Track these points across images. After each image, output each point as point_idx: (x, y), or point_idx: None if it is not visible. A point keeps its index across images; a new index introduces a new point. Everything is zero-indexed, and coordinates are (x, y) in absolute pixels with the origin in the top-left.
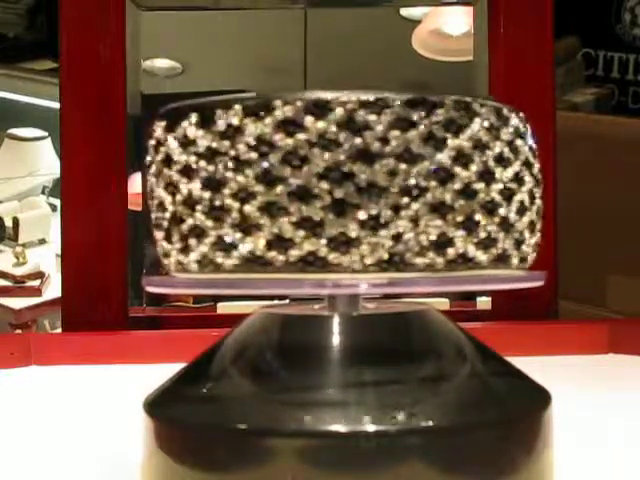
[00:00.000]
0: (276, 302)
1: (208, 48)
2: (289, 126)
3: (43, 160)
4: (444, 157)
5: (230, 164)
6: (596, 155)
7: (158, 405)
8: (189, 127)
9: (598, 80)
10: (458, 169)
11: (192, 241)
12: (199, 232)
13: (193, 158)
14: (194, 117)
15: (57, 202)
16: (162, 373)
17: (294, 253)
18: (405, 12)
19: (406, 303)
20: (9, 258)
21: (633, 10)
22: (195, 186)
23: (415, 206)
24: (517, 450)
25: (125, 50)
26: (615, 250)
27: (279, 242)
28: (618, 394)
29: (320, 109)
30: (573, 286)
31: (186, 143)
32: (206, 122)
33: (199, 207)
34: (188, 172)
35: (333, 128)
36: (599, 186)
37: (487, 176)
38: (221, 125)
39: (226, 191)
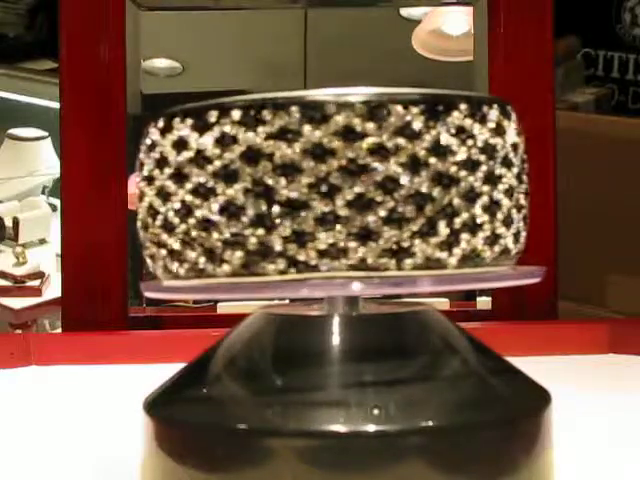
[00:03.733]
0: (276, 302)
1: (208, 48)
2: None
3: (43, 160)
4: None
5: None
6: (596, 155)
7: (158, 405)
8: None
9: (598, 80)
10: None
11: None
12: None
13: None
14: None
15: (57, 202)
16: (162, 373)
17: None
18: (405, 12)
19: (406, 303)
20: (9, 258)
21: (633, 10)
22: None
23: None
24: (517, 450)
25: (125, 50)
26: (615, 250)
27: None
28: (618, 394)
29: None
30: (573, 286)
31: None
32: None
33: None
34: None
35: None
36: (599, 186)
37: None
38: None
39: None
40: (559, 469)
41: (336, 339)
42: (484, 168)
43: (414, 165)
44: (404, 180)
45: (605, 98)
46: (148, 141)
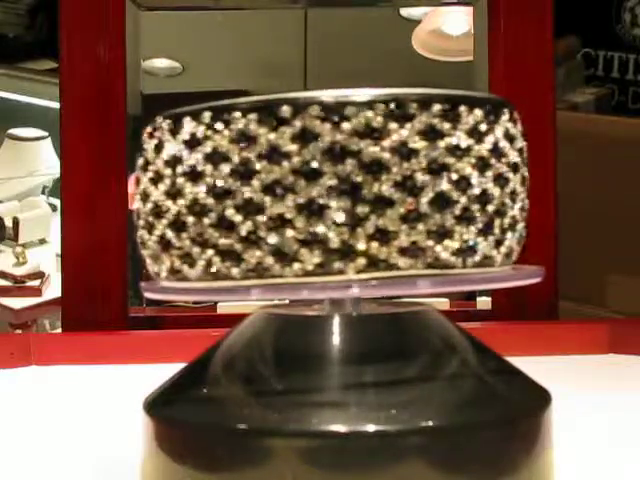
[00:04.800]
0: (276, 302)
1: (208, 48)
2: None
3: (43, 160)
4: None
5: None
6: (596, 155)
7: (158, 405)
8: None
9: (598, 80)
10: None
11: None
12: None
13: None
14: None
15: (57, 202)
16: (162, 373)
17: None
18: (405, 12)
19: (406, 303)
20: (9, 258)
21: (633, 10)
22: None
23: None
24: (517, 450)
25: (125, 50)
26: (615, 250)
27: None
28: (618, 394)
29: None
30: (573, 286)
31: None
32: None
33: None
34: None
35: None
36: (599, 186)
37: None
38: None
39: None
40: (559, 469)
41: (336, 339)
42: (521, 170)
43: (482, 165)
44: (474, 180)
45: (605, 98)
46: (185, 136)
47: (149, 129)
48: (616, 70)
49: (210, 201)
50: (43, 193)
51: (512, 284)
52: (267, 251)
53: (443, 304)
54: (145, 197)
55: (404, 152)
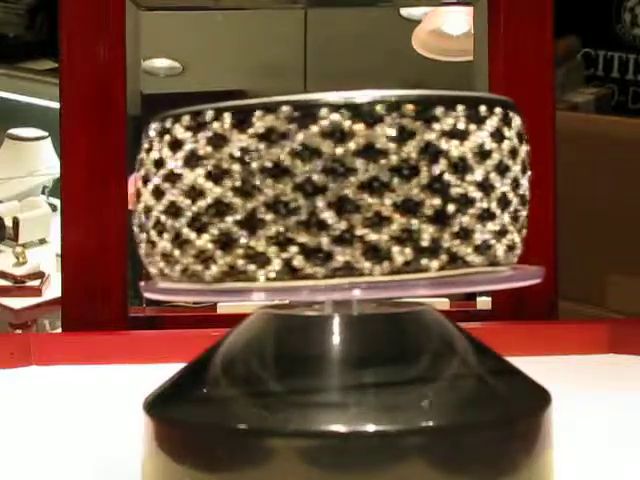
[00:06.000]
0: (276, 302)
1: (208, 48)
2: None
3: (43, 160)
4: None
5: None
6: (596, 155)
7: (158, 405)
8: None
9: (598, 80)
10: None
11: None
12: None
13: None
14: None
15: (57, 202)
16: (162, 373)
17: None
18: (405, 12)
19: (406, 303)
20: (9, 258)
21: (633, 10)
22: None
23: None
24: (517, 450)
25: (125, 50)
26: (615, 250)
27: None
28: (618, 394)
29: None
30: (573, 286)
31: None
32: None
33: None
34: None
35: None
36: (599, 186)
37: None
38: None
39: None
40: (559, 469)
41: (336, 339)
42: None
43: (524, 167)
44: (521, 181)
45: (605, 98)
46: (260, 129)
47: (187, 123)
48: (616, 70)
49: (298, 198)
50: (43, 193)
51: (512, 284)
52: (360, 249)
53: (443, 304)
54: (196, 194)
55: (482, 153)
